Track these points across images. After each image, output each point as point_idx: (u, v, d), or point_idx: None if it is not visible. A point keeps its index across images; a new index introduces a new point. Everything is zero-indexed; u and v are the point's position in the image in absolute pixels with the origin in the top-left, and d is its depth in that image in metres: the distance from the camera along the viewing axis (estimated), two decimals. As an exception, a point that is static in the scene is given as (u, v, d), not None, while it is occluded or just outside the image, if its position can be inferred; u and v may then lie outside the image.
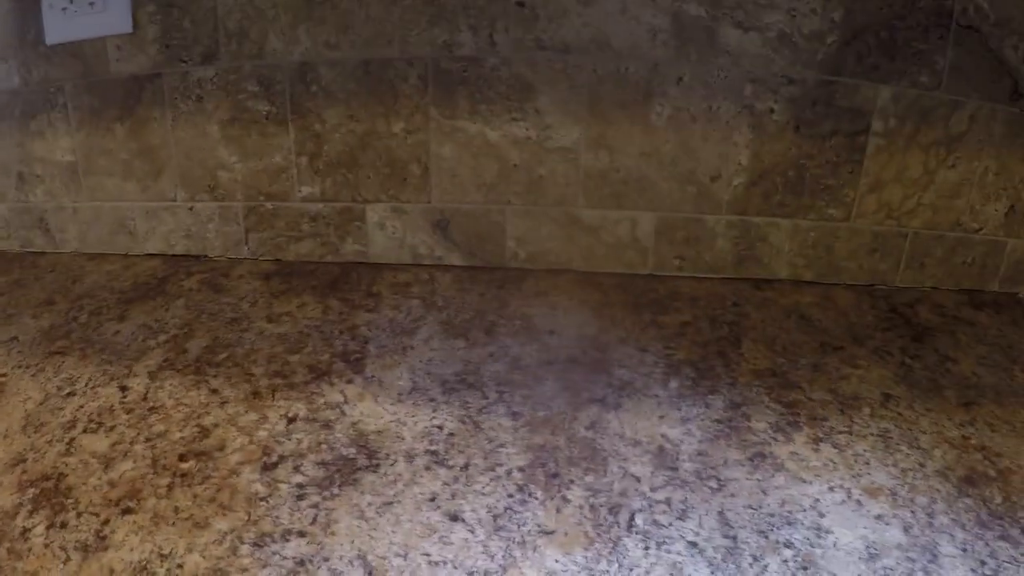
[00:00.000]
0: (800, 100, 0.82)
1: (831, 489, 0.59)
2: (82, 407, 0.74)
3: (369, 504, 0.59)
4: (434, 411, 0.68)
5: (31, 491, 0.62)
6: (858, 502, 0.57)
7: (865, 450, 0.63)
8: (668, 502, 0.58)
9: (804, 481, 0.60)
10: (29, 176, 1.00)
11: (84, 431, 0.71)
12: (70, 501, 0.62)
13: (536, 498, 0.58)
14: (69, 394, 0.77)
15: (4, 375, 0.82)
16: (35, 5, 0.93)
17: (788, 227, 0.84)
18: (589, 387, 0.70)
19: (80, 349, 0.84)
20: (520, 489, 0.59)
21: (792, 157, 0.83)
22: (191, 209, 0.96)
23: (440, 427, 0.66)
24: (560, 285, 0.84)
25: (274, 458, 0.64)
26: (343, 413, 0.69)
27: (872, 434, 0.64)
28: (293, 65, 0.87)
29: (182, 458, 0.66)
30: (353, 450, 0.64)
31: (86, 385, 0.78)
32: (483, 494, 0.59)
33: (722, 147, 0.83)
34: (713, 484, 0.59)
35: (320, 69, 0.87)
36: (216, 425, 0.69)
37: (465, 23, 0.83)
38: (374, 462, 0.63)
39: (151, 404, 0.74)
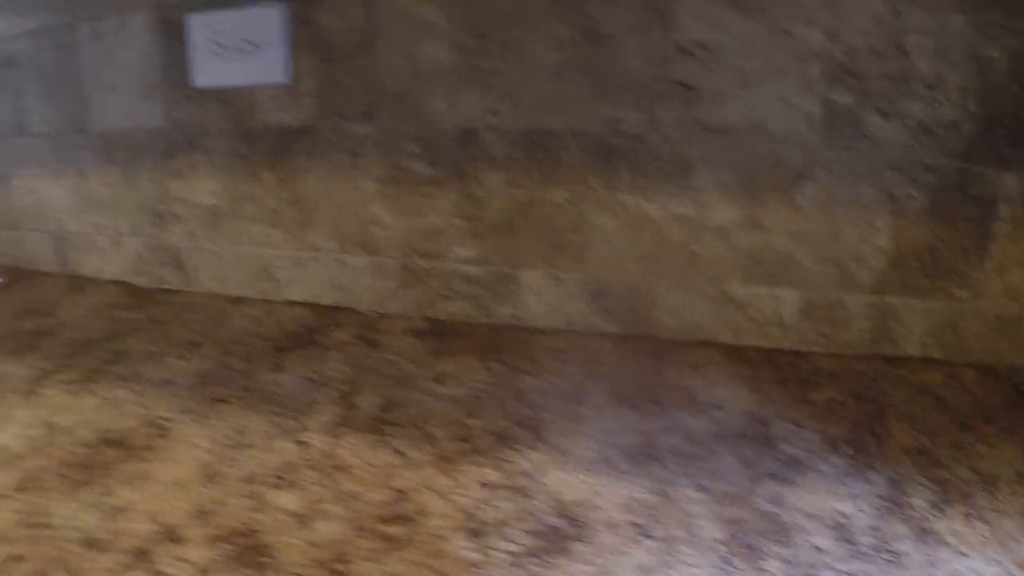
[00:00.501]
0: (936, 187, 0.95)
1: (988, 563, 0.72)
2: (260, 460, 0.83)
3: (586, 574, 0.70)
4: (625, 482, 0.80)
5: (224, 546, 0.70)
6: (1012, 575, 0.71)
7: (1013, 527, 0.76)
8: (853, 574, 0.71)
9: (965, 555, 0.73)
10: (167, 215, 1.08)
11: (270, 486, 0.80)
12: (270, 560, 0.69)
13: (739, 569, 0.71)
14: (242, 445, 0.86)
15: (167, 419, 0.90)
16: (181, 45, 1.00)
17: (920, 308, 0.98)
18: (760, 461, 0.83)
19: (241, 398, 0.93)
20: (724, 560, 0.71)
21: (927, 241, 0.96)
22: (341, 261, 1.05)
23: (635, 498, 0.78)
24: (711, 358, 0.97)
25: (478, 525, 0.75)
26: (536, 481, 0.80)
27: (1016, 512, 0.78)
28: (455, 129, 0.97)
29: (384, 521, 0.76)
30: (557, 519, 0.76)
31: (259, 437, 0.87)
32: (692, 565, 0.71)
33: (864, 230, 0.96)
34: (889, 557, 0.73)
35: (483, 135, 0.97)
36: (412, 489, 0.79)
37: (629, 100, 0.95)
38: (580, 532, 0.74)
39: (335, 462, 0.83)
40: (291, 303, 1.07)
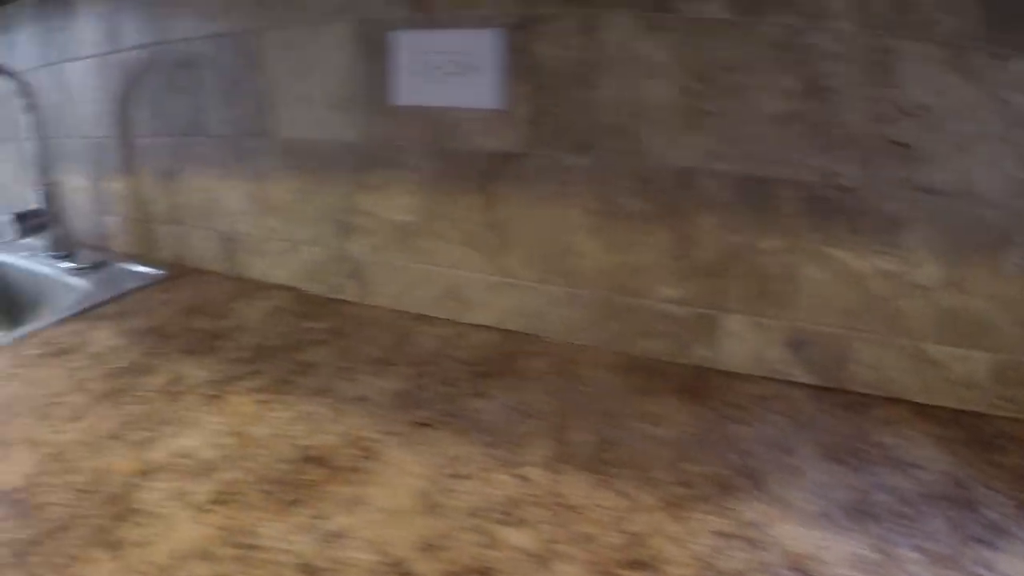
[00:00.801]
0: None
1: None
2: (481, 493, 0.91)
3: (828, 626, 0.80)
4: (846, 537, 0.89)
5: (459, 583, 0.77)
6: None
7: None
8: (1067, 641, 0.82)
9: None
10: (352, 227, 1.14)
11: (497, 522, 0.87)
12: (508, 602, 0.78)
13: (965, 632, 0.81)
14: (458, 475, 0.93)
15: (375, 440, 0.97)
16: (382, 61, 1.04)
17: (1103, 376, 1.07)
18: (965, 524, 0.93)
19: (447, 424, 1.00)
20: (950, 622, 0.82)
21: (1116, 313, 1.05)
22: (537, 289, 1.12)
23: (858, 555, 0.88)
24: (901, 415, 1.06)
25: (717, 574, 0.84)
26: (764, 532, 0.89)
27: None
28: (672, 168, 1.03)
29: (623, 565, 0.84)
30: (791, 573, 0.85)
31: (475, 468, 0.94)
32: (920, 624, 0.81)
33: (1059, 298, 1.04)
34: (1094, 627, 0.84)
35: (700, 177, 1.03)
36: (645, 533, 0.88)
37: (847, 155, 1.01)
38: (813, 584, 0.84)
39: (560, 500, 0.91)
40: (478, 326, 1.13)
